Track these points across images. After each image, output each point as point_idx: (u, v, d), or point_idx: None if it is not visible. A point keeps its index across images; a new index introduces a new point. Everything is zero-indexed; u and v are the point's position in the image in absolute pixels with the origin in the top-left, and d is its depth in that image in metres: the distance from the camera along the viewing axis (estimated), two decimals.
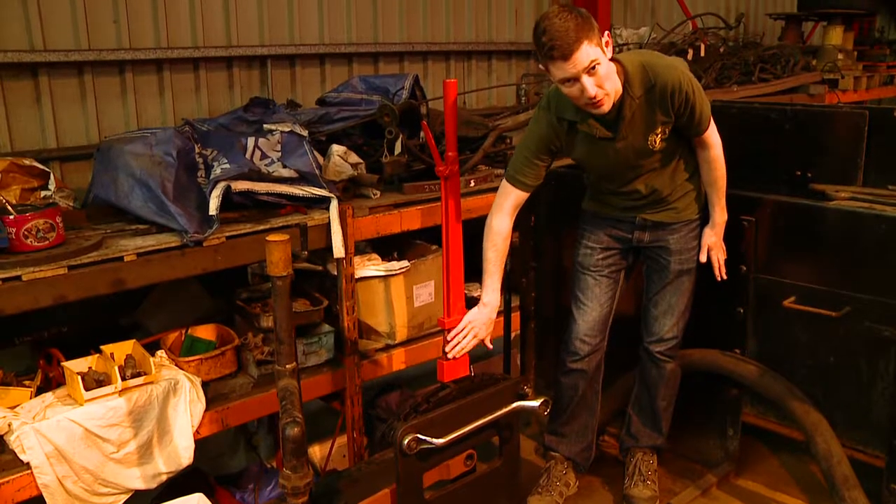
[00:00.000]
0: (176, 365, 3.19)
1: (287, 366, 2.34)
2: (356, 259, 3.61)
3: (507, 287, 3.36)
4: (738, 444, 2.94)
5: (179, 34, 4.35)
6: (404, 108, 3.87)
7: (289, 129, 3.53)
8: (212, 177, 3.23)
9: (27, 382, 2.99)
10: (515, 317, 3.52)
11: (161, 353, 3.24)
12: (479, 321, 2.58)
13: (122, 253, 2.91)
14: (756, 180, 2.84)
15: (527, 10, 6.28)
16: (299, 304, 3.61)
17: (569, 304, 2.84)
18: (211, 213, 3.11)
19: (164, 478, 3.03)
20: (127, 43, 4.15)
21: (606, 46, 2.27)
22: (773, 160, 2.94)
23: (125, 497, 2.95)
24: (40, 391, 2.95)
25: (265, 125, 3.61)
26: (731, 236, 2.75)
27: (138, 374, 2.96)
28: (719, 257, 2.72)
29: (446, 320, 3.08)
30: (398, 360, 3.84)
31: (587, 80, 2.23)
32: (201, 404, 3.11)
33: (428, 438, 2.33)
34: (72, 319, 3.51)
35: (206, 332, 3.53)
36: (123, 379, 2.89)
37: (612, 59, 2.32)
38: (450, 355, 2.56)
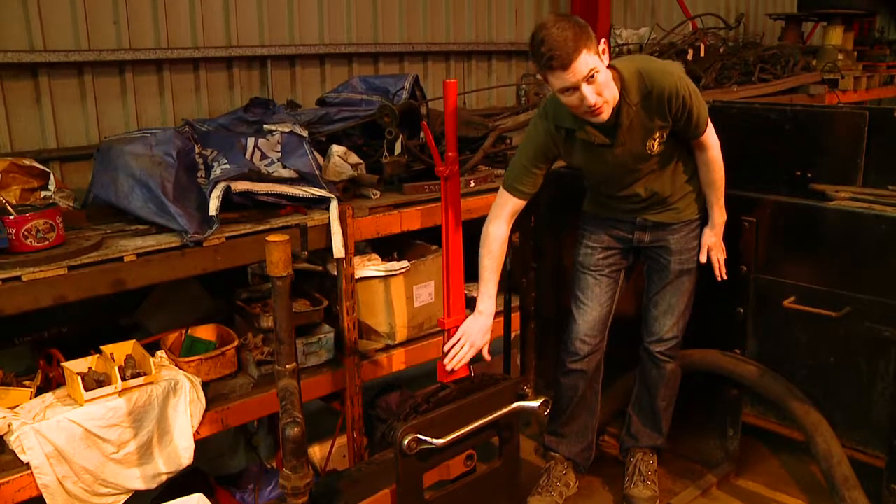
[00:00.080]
0: (176, 365, 3.19)
1: (287, 366, 2.34)
2: (356, 259, 3.61)
3: (507, 287, 3.37)
4: (738, 444, 2.94)
5: (179, 34, 4.35)
6: (404, 108, 3.87)
7: (289, 130, 3.53)
8: (212, 177, 3.23)
9: (27, 383, 2.99)
10: (515, 317, 3.52)
11: (161, 353, 3.24)
12: (475, 330, 2.56)
13: (122, 253, 2.91)
14: (756, 180, 2.84)
15: (527, 10, 6.28)
16: (299, 305, 3.61)
17: (569, 305, 2.84)
18: (211, 213, 3.11)
19: (164, 478, 3.03)
20: (127, 43, 4.15)
21: (603, 54, 2.27)
22: (773, 160, 2.94)
23: (125, 497, 2.95)
24: (40, 391, 2.95)
25: (265, 125, 3.61)
26: (732, 236, 2.75)
27: (138, 375, 2.96)
28: (719, 257, 2.72)
29: (446, 320, 3.08)
30: (398, 361, 3.84)
31: (587, 89, 2.24)
32: (201, 404, 3.11)
33: (428, 439, 2.33)
34: (72, 320, 3.51)
35: (206, 332, 3.53)
36: (123, 379, 2.89)
37: (608, 67, 2.32)
38: (448, 367, 2.54)
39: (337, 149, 3.75)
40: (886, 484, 2.50)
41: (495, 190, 3.98)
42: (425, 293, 3.85)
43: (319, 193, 3.43)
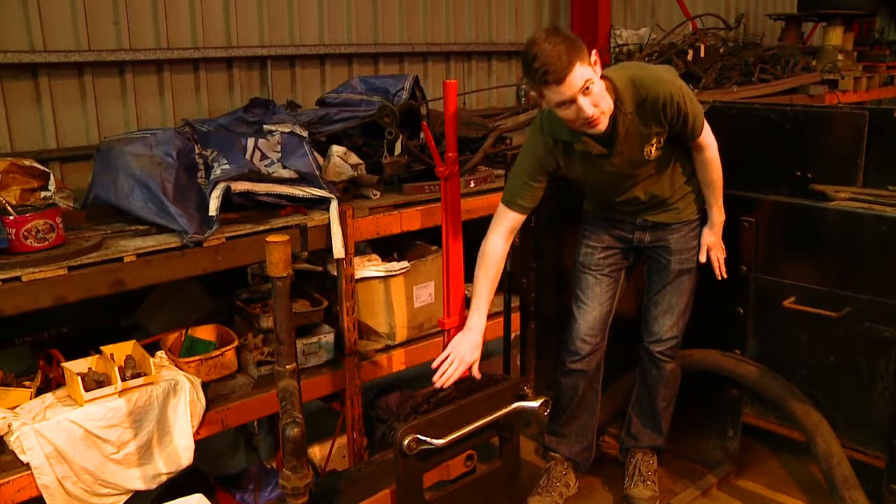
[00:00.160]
0: (176, 366, 3.19)
1: (287, 366, 2.34)
2: (356, 260, 3.61)
3: (507, 287, 3.37)
4: (738, 444, 2.94)
5: (179, 35, 4.35)
6: (404, 108, 3.87)
7: (289, 130, 3.53)
8: (212, 177, 3.23)
9: (27, 383, 2.99)
10: (515, 317, 3.52)
11: (161, 353, 3.24)
12: (465, 347, 2.51)
13: (122, 254, 2.91)
14: (756, 181, 2.84)
15: (527, 10, 6.28)
16: (299, 305, 3.61)
17: (569, 305, 2.84)
18: (211, 213, 3.11)
19: (164, 478, 3.03)
20: (127, 43, 4.15)
21: (595, 65, 2.27)
22: (773, 161, 2.94)
23: (125, 497, 2.95)
24: (40, 392, 2.95)
25: (265, 126, 3.61)
26: (732, 237, 2.75)
27: (138, 375, 2.96)
28: (719, 256, 2.73)
29: (446, 321, 3.08)
30: (398, 361, 3.84)
31: (583, 101, 2.24)
32: (201, 405, 3.11)
33: (428, 439, 2.33)
34: (72, 320, 3.51)
35: (205, 332, 3.53)
36: (123, 380, 2.89)
37: (600, 77, 2.32)
38: (437, 384, 2.46)
39: (337, 149, 3.75)
40: (886, 484, 2.50)
41: (495, 190, 4.03)
42: (425, 293, 3.85)
43: (319, 194, 3.43)
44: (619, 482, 2.94)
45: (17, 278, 2.68)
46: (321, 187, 3.44)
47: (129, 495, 2.96)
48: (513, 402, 2.57)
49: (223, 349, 3.36)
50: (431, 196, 3.80)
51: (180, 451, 3.03)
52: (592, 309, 2.76)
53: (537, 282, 3.41)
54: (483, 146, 4.15)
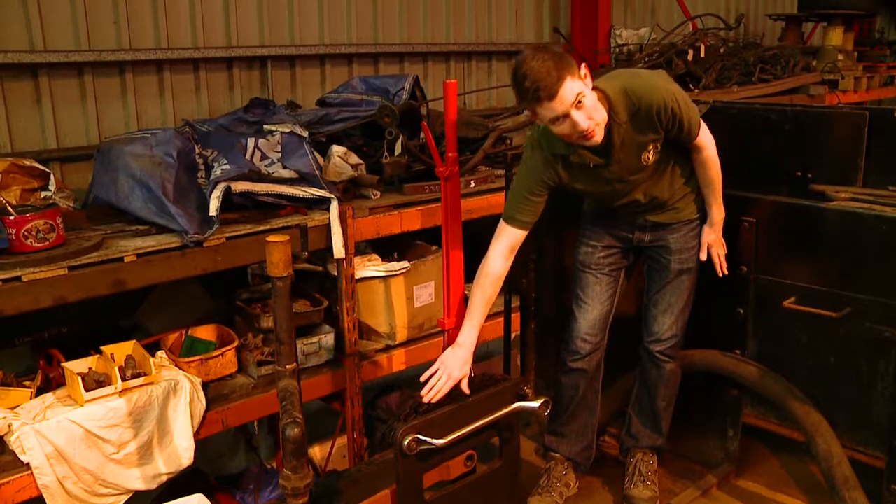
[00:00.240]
0: (176, 366, 3.19)
1: (287, 366, 2.35)
2: (356, 260, 3.61)
3: (508, 287, 3.36)
4: (738, 444, 2.94)
5: (179, 35, 4.35)
6: (404, 108, 3.87)
7: (289, 130, 3.53)
8: (212, 177, 3.23)
9: (27, 383, 2.99)
10: (515, 317, 3.52)
11: (161, 353, 3.24)
12: (454, 362, 2.49)
13: (122, 254, 2.91)
14: (756, 181, 2.84)
15: (527, 10, 6.28)
16: (299, 305, 3.61)
17: (569, 305, 2.85)
18: (211, 213, 3.11)
19: (164, 478, 3.03)
20: (127, 43, 4.15)
21: (586, 78, 2.28)
22: (774, 161, 2.94)
23: (125, 497, 2.95)
24: (40, 392, 2.95)
25: (265, 126, 3.61)
26: (732, 237, 2.75)
27: (138, 375, 2.96)
28: (719, 253, 2.73)
29: (446, 321, 3.08)
30: (398, 361, 3.84)
31: (577, 115, 2.24)
32: (201, 405, 3.11)
33: (428, 439, 2.33)
34: (72, 320, 3.51)
35: (206, 332, 3.53)
36: (123, 380, 2.89)
37: (592, 88, 2.32)
38: (425, 399, 2.45)
39: (337, 149, 3.75)
40: (886, 484, 2.50)
41: (495, 190, 4.03)
42: (425, 293, 3.85)
43: (320, 194, 3.43)
44: (619, 482, 2.94)
45: (18, 278, 2.68)
46: (321, 187, 3.44)
47: (130, 495, 2.96)
48: (513, 403, 2.57)
49: (223, 349, 3.36)
50: (431, 196, 3.80)
51: (180, 451, 3.03)
52: (593, 308, 2.77)
53: (537, 282, 3.41)
54: (483, 146, 4.15)
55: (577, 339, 2.77)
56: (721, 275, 2.73)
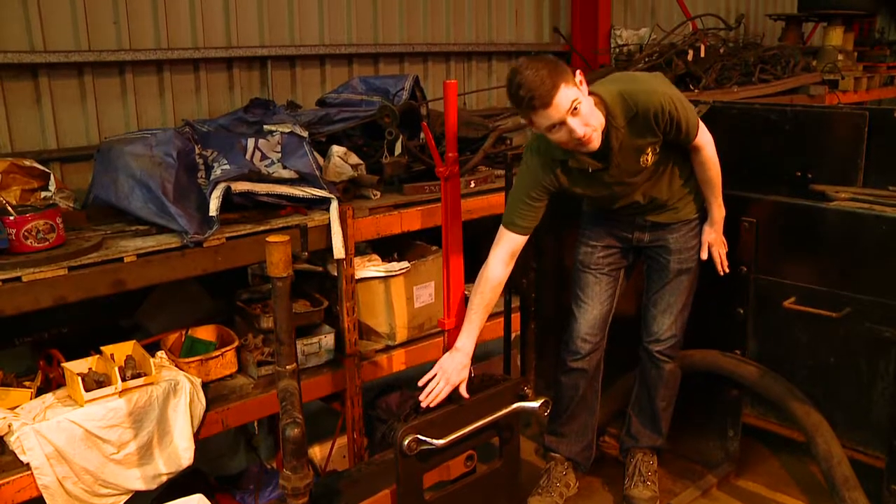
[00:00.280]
0: (176, 366, 3.19)
1: (287, 367, 2.35)
2: (356, 260, 3.61)
3: (508, 287, 3.37)
4: (738, 444, 2.94)
5: (179, 35, 4.35)
6: (404, 108, 3.87)
7: (289, 130, 3.53)
8: (212, 178, 3.23)
9: (27, 383, 2.99)
10: (515, 317, 3.52)
11: (161, 353, 3.24)
12: (452, 367, 2.49)
13: (122, 254, 2.91)
14: (756, 181, 2.85)
15: (527, 10, 6.28)
16: (299, 305, 3.61)
17: (569, 304, 2.85)
18: (211, 213, 3.11)
19: (164, 479, 3.02)
20: (127, 44, 4.15)
21: (581, 84, 2.28)
22: (774, 161, 2.95)
23: (125, 498, 2.95)
24: (40, 392, 2.95)
25: (265, 126, 3.61)
26: (732, 237, 2.75)
27: (138, 375, 2.96)
28: (720, 251, 2.73)
29: (446, 321, 3.08)
30: (398, 361, 3.84)
31: (573, 122, 2.24)
32: (201, 405, 3.11)
33: (428, 439, 2.33)
34: (72, 320, 3.51)
35: (206, 332, 3.54)
36: (123, 380, 2.89)
37: (589, 93, 2.33)
38: (423, 404, 2.44)
39: (337, 149, 3.75)
40: (886, 484, 2.50)
41: (495, 190, 4.03)
42: (425, 294, 3.85)
43: (319, 194, 3.43)
44: (619, 482, 2.94)
45: (18, 278, 2.68)
46: (321, 187, 3.44)
47: (130, 495, 2.96)
48: (513, 403, 2.58)
49: (223, 349, 3.36)
50: (431, 196, 3.80)
51: (180, 451, 3.03)
52: (592, 308, 2.77)
53: (537, 282, 3.41)
54: (483, 146, 4.15)
55: (577, 339, 2.78)
56: (722, 273, 2.73)
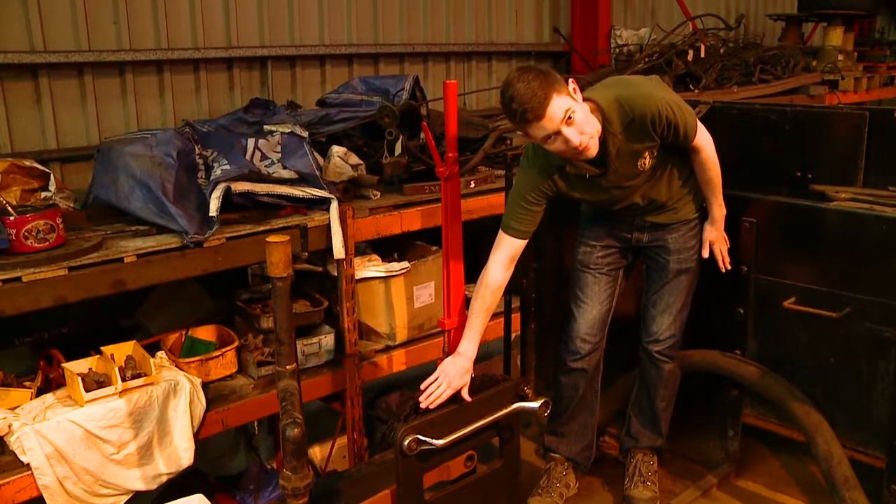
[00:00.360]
0: (176, 366, 3.19)
1: (287, 367, 2.35)
2: (356, 260, 3.61)
3: (508, 288, 3.37)
4: (738, 444, 2.94)
5: (179, 35, 4.35)
6: (404, 109, 3.87)
7: (289, 131, 3.53)
8: (212, 178, 3.23)
9: (27, 383, 2.99)
10: (515, 317, 3.52)
11: (161, 354, 3.24)
12: (454, 371, 2.49)
13: (123, 254, 2.92)
14: (756, 181, 2.85)
15: (527, 10, 6.28)
16: (299, 305, 3.61)
17: (569, 305, 2.84)
18: (211, 214, 3.11)
19: (164, 479, 3.03)
20: (127, 44, 4.15)
21: (574, 93, 2.28)
22: (774, 161, 2.95)
23: (125, 498, 2.95)
24: (40, 392, 2.95)
25: (265, 126, 3.62)
26: (732, 237, 2.75)
27: (138, 376, 2.96)
28: (722, 249, 2.72)
29: (446, 321, 3.08)
30: (398, 361, 3.84)
31: (568, 131, 2.24)
32: (201, 405, 3.11)
33: (428, 439, 2.33)
34: (72, 320, 3.51)
35: (206, 333, 3.54)
36: (124, 380, 2.89)
37: (584, 100, 2.32)
38: (423, 406, 2.45)
39: (337, 149, 3.76)
40: (886, 484, 2.50)
41: (496, 191, 4.03)
42: (425, 294, 3.85)
43: (320, 194, 3.43)
44: (619, 482, 2.94)
45: (18, 279, 2.68)
46: (321, 188, 3.44)
47: (130, 496, 2.96)
48: (513, 403, 2.58)
49: (223, 350, 3.36)
50: (431, 196, 3.81)
51: (180, 451, 3.03)
52: (591, 308, 2.77)
53: (537, 282, 3.41)
54: (483, 146, 4.15)
55: (577, 339, 2.78)
56: (724, 270, 2.73)
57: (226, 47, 4.52)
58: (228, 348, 3.37)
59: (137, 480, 2.95)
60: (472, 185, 4.05)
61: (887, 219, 2.44)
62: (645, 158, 2.46)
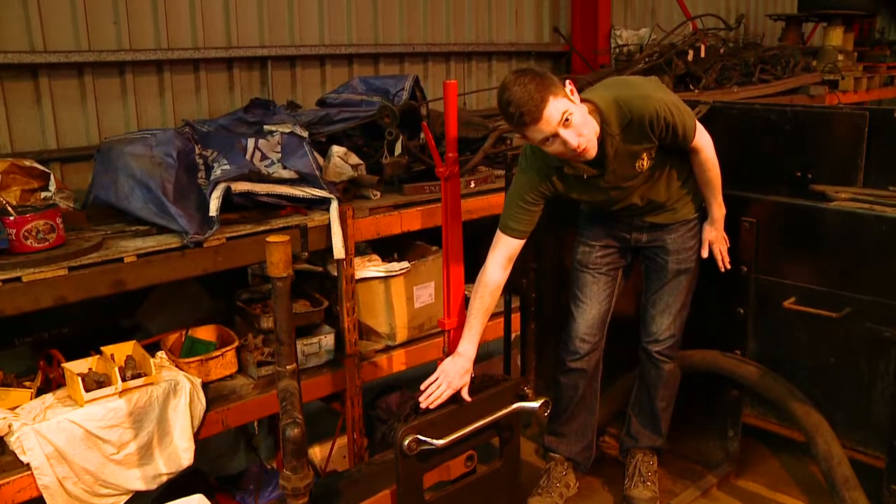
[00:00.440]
0: (176, 366, 3.19)
1: (287, 367, 2.35)
2: (356, 260, 3.61)
3: (508, 287, 3.37)
4: (738, 444, 2.94)
5: (179, 35, 4.35)
6: (404, 109, 3.87)
7: (289, 131, 3.53)
8: (212, 178, 3.23)
9: (27, 383, 2.99)
10: (515, 317, 3.52)
11: (161, 354, 3.24)
12: (453, 371, 2.49)
13: (123, 254, 2.92)
14: (756, 181, 2.85)
15: (527, 10, 6.28)
16: (299, 305, 3.61)
17: (568, 305, 2.85)
18: (211, 214, 3.11)
19: (164, 479, 3.03)
20: (127, 44, 4.15)
21: (572, 94, 2.27)
22: (774, 161, 2.95)
23: (125, 498, 2.95)
24: (40, 392, 2.95)
25: (265, 126, 3.62)
26: (732, 237, 2.75)
27: (138, 376, 2.96)
28: (721, 248, 2.72)
29: (446, 321, 3.08)
30: (398, 361, 3.84)
31: (566, 133, 2.24)
32: (201, 405, 3.11)
33: (428, 439, 2.33)
34: (72, 320, 3.51)
35: (206, 333, 3.54)
36: (124, 380, 2.89)
37: (582, 100, 2.32)
38: (423, 406, 2.45)
39: (337, 149, 3.76)
40: (886, 484, 2.50)
41: (495, 191, 4.03)
42: (425, 294, 3.85)
43: (320, 194, 3.43)
44: (619, 482, 2.94)
45: (18, 279, 2.68)
46: (321, 188, 3.44)
47: (130, 496, 2.96)
48: (513, 403, 2.58)
49: (223, 350, 3.36)
50: (431, 196, 3.81)
51: (180, 451, 3.03)
52: (591, 308, 2.77)
53: (537, 282, 3.41)
54: (483, 146, 4.15)
55: (576, 339, 2.78)
56: (723, 269, 2.73)
57: (226, 47, 4.52)
58: (228, 348, 3.37)
59: (137, 480, 2.95)
60: (472, 185, 4.05)
61: (887, 219, 2.44)
62: (643, 159, 2.46)
